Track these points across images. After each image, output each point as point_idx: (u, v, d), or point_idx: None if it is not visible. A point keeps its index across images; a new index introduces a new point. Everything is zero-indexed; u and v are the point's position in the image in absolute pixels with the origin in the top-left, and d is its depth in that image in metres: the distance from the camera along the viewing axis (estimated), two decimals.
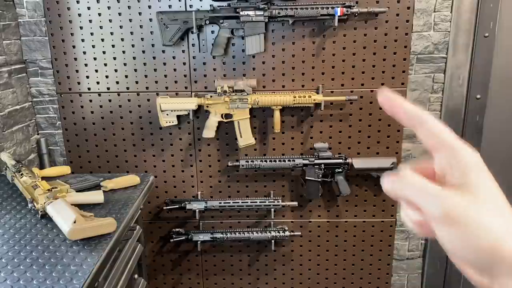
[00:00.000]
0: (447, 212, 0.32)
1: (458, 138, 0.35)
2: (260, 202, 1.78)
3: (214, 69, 1.71)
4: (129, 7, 1.66)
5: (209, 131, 1.71)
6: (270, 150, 1.80)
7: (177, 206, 1.80)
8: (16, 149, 1.68)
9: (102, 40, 1.70)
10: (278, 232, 1.81)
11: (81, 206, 1.15)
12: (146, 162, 1.84)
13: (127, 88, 1.75)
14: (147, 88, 1.75)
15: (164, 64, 1.71)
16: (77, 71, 1.74)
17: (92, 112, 1.79)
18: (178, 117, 1.72)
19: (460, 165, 0.34)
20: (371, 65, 1.69)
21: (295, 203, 1.80)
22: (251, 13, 1.56)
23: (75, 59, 1.73)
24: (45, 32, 1.71)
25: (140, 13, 1.66)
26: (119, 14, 1.67)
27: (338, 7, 1.54)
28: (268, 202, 1.77)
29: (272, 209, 1.78)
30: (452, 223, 0.32)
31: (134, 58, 1.71)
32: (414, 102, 1.77)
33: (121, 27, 1.68)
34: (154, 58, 1.71)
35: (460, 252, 0.32)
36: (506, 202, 0.33)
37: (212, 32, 1.66)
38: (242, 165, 1.72)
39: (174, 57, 1.70)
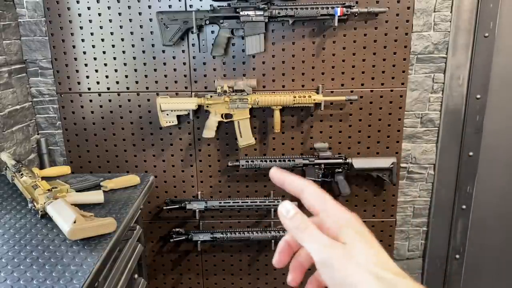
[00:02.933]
0: (325, 258, 0.38)
1: (334, 202, 0.41)
2: (260, 202, 1.78)
3: (214, 69, 1.71)
4: (129, 7, 1.66)
5: (209, 131, 1.71)
6: (270, 150, 1.80)
7: (177, 206, 1.80)
8: (16, 149, 1.68)
9: (102, 40, 1.70)
10: (278, 232, 1.81)
11: (81, 206, 1.15)
12: (146, 162, 1.84)
13: (127, 88, 1.75)
14: (147, 88, 1.75)
15: (164, 64, 1.71)
16: (77, 71, 1.74)
17: (92, 112, 1.79)
18: (178, 117, 1.72)
19: (336, 224, 0.39)
20: (371, 65, 1.69)
21: (295, 203, 1.79)
22: (251, 13, 1.56)
23: (75, 59, 1.73)
24: (45, 32, 1.71)
25: (140, 13, 1.66)
26: (119, 14, 1.67)
27: (338, 7, 1.54)
28: (268, 202, 1.77)
29: (272, 209, 1.78)
30: (326, 267, 0.38)
31: (134, 58, 1.71)
32: (414, 102, 1.78)
33: (121, 27, 1.68)
34: (154, 58, 1.71)
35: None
36: (375, 255, 0.37)
37: (212, 32, 1.66)
38: (242, 165, 1.72)
39: (174, 57, 1.70)
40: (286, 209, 0.42)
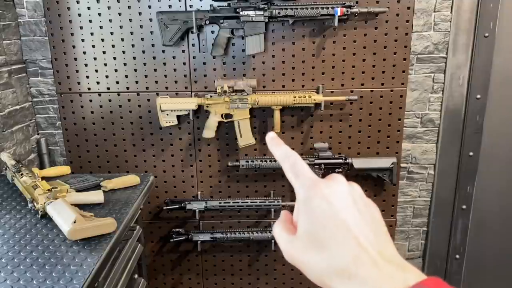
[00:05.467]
0: (287, 255, 0.38)
1: (310, 176, 0.39)
2: (260, 202, 1.78)
3: (214, 69, 1.71)
4: (129, 7, 1.66)
5: (209, 131, 1.71)
6: None
7: (177, 206, 1.80)
8: (16, 149, 1.68)
9: (102, 40, 1.70)
10: None
11: (81, 206, 1.15)
12: (146, 162, 1.84)
13: (127, 88, 1.75)
14: (147, 88, 1.75)
15: (164, 64, 1.71)
16: (77, 71, 1.74)
17: (92, 112, 1.79)
18: (178, 117, 1.72)
19: (298, 201, 0.39)
20: (371, 65, 1.69)
21: (295, 203, 1.80)
22: (251, 13, 1.56)
23: (75, 59, 1.73)
24: (45, 32, 1.71)
25: (140, 13, 1.66)
26: (119, 14, 1.67)
27: (338, 7, 1.54)
28: (268, 202, 1.77)
29: (272, 209, 1.78)
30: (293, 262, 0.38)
31: (134, 58, 1.71)
32: (414, 102, 1.78)
33: (121, 27, 1.68)
34: (154, 58, 1.71)
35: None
36: (325, 227, 0.35)
37: (212, 32, 1.66)
38: (242, 165, 1.72)
39: (174, 57, 1.70)
40: (269, 136, 0.43)
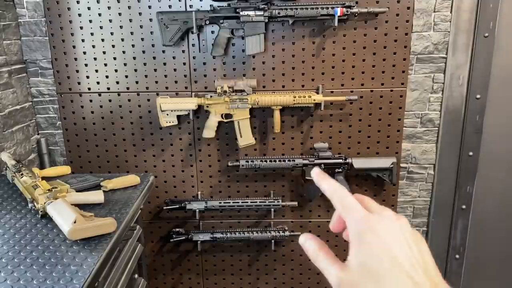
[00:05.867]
0: (341, 283, 0.40)
1: (359, 211, 0.41)
2: (260, 202, 1.78)
3: (214, 69, 1.71)
4: (129, 7, 1.66)
5: (209, 131, 1.71)
6: (270, 150, 1.80)
7: (177, 206, 1.80)
8: (16, 149, 1.68)
9: (102, 40, 1.70)
10: (278, 232, 1.81)
11: (81, 206, 1.15)
12: (146, 162, 1.84)
13: (127, 88, 1.75)
14: (147, 88, 1.75)
15: (164, 64, 1.71)
16: (77, 71, 1.74)
17: (92, 112, 1.79)
18: (178, 117, 1.72)
19: (351, 235, 0.41)
20: (371, 65, 1.69)
21: (295, 203, 1.80)
22: (251, 13, 1.56)
23: (75, 59, 1.73)
24: (45, 32, 1.71)
25: (140, 13, 1.66)
26: (119, 14, 1.67)
27: (338, 7, 1.54)
28: (268, 202, 1.77)
29: (272, 209, 1.78)
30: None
31: (134, 58, 1.71)
32: (414, 102, 1.78)
33: (121, 27, 1.68)
34: (154, 58, 1.71)
35: None
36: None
37: (212, 32, 1.66)
38: (242, 165, 1.72)
39: (174, 57, 1.70)
40: (313, 171, 0.47)
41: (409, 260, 0.37)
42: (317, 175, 0.46)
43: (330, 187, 0.44)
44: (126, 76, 1.74)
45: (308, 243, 0.45)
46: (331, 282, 0.41)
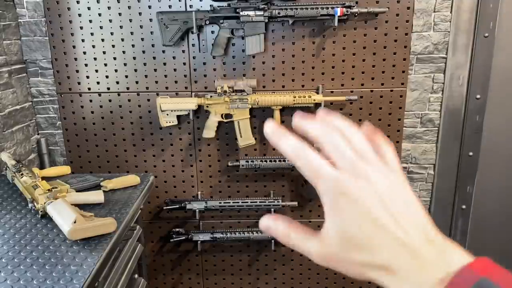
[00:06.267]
0: (321, 258, 0.36)
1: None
2: (260, 202, 1.78)
3: (214, 69, 1.71)
4: (129, 7, 1.66)
5: (209, 131, 1.71)
6: (270, 150, 1.80)
7: (177, 206, 1.80)
8: (16, 149, 1.68)
9: (102, 40, 1.70)
10: None
11: (81, 206, 1.15)
12: (146, 162, 1.84)
13: (127, 88, 1.75)
14: (147, 88, 1.75)
15: (164, 64, 1.71)
16: (77, 71, 1.74)
17: (92, 112, 1.79)
18: (178, 117, 1.72)
19: (323, 202, 0.37)
20: (371, 65, 1.69)
21: (295, 203, 1.80)
22: (251, 13, 1.56)
23: (75, 59, 1.73)
24: (45, 32, 1.71)
25: (140, 13, 1.66)
26: (119, 14, 1.67)
27: (338, 7, 1.54)
28: (268, 202, 1.77)
29: (272, 209, 1.78)
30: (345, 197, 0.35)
31: (134, 58, 1.71)
32: (414, 102, 1.77)
33: (121, 27, 1.68)
34: (154, 58, 1.71)
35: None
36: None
37: (212, 32, 1.66)
38: (242, 165, 1.72)
39: (174, 57, 1.70)
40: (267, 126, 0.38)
41: (393, 218, 0.33)
42: (272, 133, 0.37)
43: (290, 147, 0.36)
44: (126, 76, 1.74)
45: (274, 225, 0.38)
46: (314, 260, 0.36)
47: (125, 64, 1.72)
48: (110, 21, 1.68)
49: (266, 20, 1.57)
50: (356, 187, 0.34)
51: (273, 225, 0.39)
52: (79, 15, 1.68)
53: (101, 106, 1.78)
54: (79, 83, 1.76)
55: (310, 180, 0.36)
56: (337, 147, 0.35)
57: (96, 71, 1.74)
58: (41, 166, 1.82)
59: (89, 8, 1.67)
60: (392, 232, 0.33)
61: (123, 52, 1.71)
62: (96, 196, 1.26)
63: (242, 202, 1.78)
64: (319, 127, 0.37)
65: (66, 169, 1.48)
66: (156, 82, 1.74)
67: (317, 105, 1.68)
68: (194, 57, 1.70)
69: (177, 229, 1.84)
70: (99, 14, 1.67)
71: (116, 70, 1.73)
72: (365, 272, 0.35)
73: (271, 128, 0.38)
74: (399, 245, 0.33)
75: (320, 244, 0.36)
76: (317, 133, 0.37)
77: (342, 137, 0.36)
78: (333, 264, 0.36)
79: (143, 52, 1.70)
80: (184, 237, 1.83)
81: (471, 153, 1.80)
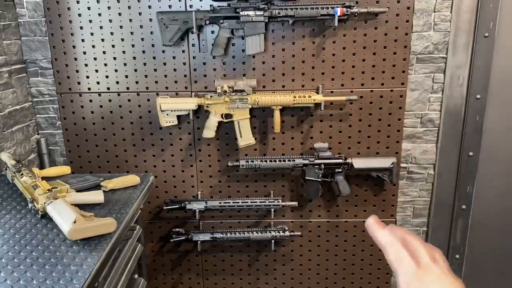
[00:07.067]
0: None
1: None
2: (260, 202, 1.78)
3: (214, 69, 1.71)
4: (129, 7, 1.66)
5: (209, 131, 1.71)
6: (270, 150, 1.80)
7: (177, 206, 1.80)
8: (16, 149, 1.68)
9: (102, 40, 1.70)
10: (278, 232, 1.81)
11: (81, 206, 1.15)
12: (146, 162, 1.84)
13: (127, 88, 1.75)
14: (147, 88, 1.75)
15: (164, 64, 1.71)
16: (77, 71, 1.74)
17: (92, 112, 1.79)
18: (178, 117, 1.72)
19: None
20: (371, 65, 1.69)
21: (295, 203, 1.80)
22: (251, 13, 1.56)
23: (75, 59, 1.73)
24: (45, 32, 1.71)
25: (140, 13, 1.66)
26: (119, 14, 1.67)
27: (338, 7, 1.54)
28: (268, 202, 1.77)
29: (272, 209, 1.78)
30: None
31: (134, 58, 1.71)
32: (414, 102, 1.77)
33: (121, 27, 1.68)
34: (154, 58, 1.71)
35: None
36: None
37: (212, 32, 1.66)
38: (242, 165, 1.72)
39: (174, 57, 1.70)
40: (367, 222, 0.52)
41: None
42: (372, 225, 0.50)
43: (384, 239, 0.49)
44: (126, 76, 1.74)
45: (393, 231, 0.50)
46: (401, 275, 0.46)
47: (125, 64, 1.72)
48: (110, 21, 1.68)
49: (266, 20, 1.57)
50: (430, 279, 0.45)
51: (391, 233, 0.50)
52: (79, 15, 1.68)
53: (101, 106, 1.78)
54: (79, 83, 1.76)
55: (391, 263, 0.47)
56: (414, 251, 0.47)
57: (96, 71, 1.74)
58: (41, 166, 1.82)
59: (89, 8, 1.67)
60: None
61: (123, 52, 1.71)
62: (96, 196, 1.26)
63: (242, 202, 1.78)
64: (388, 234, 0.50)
65: (66, 169, 1.48)
66: (156, 82, 1.74)
67: (317, 105, 1.68)
68: (194, 57, 1.70)
69: (177, 229, 1.84)
70: (99, 14, 1.67)
71: (116, 70, 1.73)
72: None
73: (371, 222, 0.51)
74: None
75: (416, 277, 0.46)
76: (385, 241, 0.49)
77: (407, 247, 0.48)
78: None
79: (143, 52, 1.70)
80: (184, 237, 1.83)
81: (471, 153, 1.80)
